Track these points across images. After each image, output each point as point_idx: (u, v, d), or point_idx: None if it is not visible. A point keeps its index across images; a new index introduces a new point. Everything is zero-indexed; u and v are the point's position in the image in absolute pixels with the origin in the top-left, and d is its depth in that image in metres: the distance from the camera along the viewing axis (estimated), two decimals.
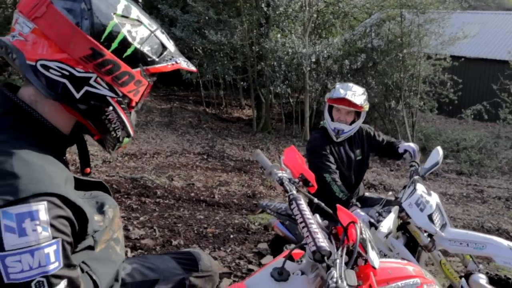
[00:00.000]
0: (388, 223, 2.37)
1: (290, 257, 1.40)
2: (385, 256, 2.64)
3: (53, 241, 0.85)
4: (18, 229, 0.81)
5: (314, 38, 11.26)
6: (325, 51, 10.24)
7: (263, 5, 10.05)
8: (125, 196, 5.29)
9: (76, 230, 0.95)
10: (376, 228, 2.40)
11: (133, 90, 1.06)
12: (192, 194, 5.66)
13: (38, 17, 0.95)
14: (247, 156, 8.52)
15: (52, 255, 0.85)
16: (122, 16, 1.01)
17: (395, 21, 11.35)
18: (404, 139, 5.65)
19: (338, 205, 1.38)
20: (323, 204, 1.49)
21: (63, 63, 0.95)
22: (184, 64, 1.14)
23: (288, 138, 10.74)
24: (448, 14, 11.17)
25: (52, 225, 0.85)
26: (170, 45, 1.13)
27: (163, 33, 1.14)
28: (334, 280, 1.06)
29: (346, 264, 1.16)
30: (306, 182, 1.57)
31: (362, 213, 2.57)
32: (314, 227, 1.23)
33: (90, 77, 0.98)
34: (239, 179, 6.77)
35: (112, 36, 0.98)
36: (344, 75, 11.16)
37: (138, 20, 1.05)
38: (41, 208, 0.84)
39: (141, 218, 4.59)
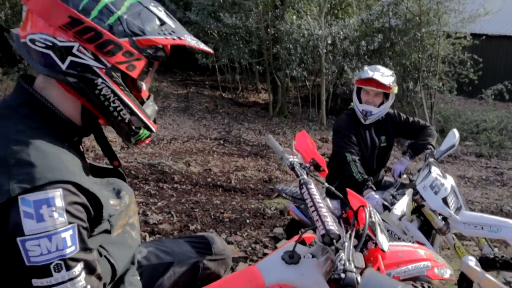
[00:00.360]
0: (402, 205, 2.36)
1: (302, 241, 1.41)
2: (399, 239, 2.64)
3: (69, 226, 0.89)
4: (36, 215, 0.85)
5: (330, 19, 11.08)
6: (341, 32, 10.09)
7: None
8: (143, 182, 5.37)
9: (92, 216, 0.99)
10: (390, 210, 2.40)
11: (124, 62, 1.03)
12: (209, 180, 5.71)
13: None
14: (263, 140, 8.53)
15: (68, 240, 0.89)
16: None
17: None
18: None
19: (348, 189, 1.38)
20: (333, 188, 1.49)
21: (44, 34, 0.97)
22: (192, 42, 1.12)
23: (305, 122, 10.68)
24: None
25: (67, 211, 0.89)
26: (170, 21, 1.12)
27: (160, 10, 1.12)
28: (342, 262, 1.07)
29: (355, 247, 1.17)
30: (317, 167, 1.57)
31: (376, 196, 2.57)
32: (324, 211, 1.23)
33: (72, 46, 0.98)
34: (256, 164, 6.79)
35: (91, 4, 0.99)
36: (361, 57, 10.99)
37: None
38: (57, 195, 0.88)
39: (159, 204, 4.66)
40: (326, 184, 1.52)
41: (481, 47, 12.31)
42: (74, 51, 0.98)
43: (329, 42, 10.06)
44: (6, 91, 8.83)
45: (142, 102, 1.14)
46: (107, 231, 1.07)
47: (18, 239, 0.84)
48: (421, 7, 10.61)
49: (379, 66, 2.95)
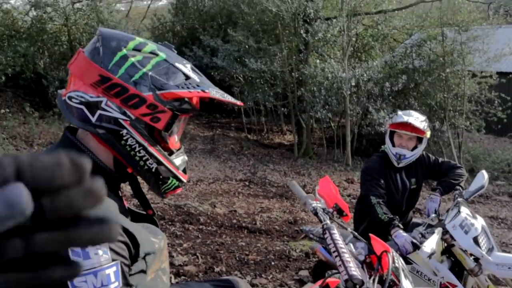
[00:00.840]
0: (431, 243, 2.33)
1: (326, 286, 1.42)
2: (429, 280, 2.58)
3: (113, 263, 0.96)
4: (82, 253, 0.92)
5: (353, 61, 11.26)
6: (365, 74, 10.21)
7: (302, 32, 10.21)
8: (169, 223, 5.43)
9: (132, 254, 1.06)
10: (419, 248, 2.36)
11: (148, 114, 1.09)
12: (234, 221, 5.73)
13: (72, 64, 1.13)
14: (288, 182, 8.53)
15: (112, 276, 0.95)
16: (134, 49, 1.11)
17: (437, 40, 11.16)
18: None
19: (371, 235, 1.40)
20: (356, 233, 1.51)
21: (79, 91, 1.09)
22: (217, 95, 1.15)
23: (330, 162, 10.66)
24: (493, 30, 10.87)
25: (111, 249, 0.96)
26: (195, 76, 1.17)
27: (187, 67, 1.18)
28: None
29: None
30: (340, 212, 1.60)
31: (404, 234, 2.55)
32: (347, 256, 1.26)
33: (101, 101, 1.08)
34: (281, 205, 6.79)
35: (119, 63, 1.09)
36: (385, 98, 11.04)
37: (152, 53, 1.13)
38: None
39: (185, 245, 4.69)
40: (349, 229, 1.54)
41: (508, 85, 12.20)
42: (103, 105, 1.08)
43: (353, 84, 10.19)
44: (41, 134, 9.21)
45: (172, 153, 1.19)
46: (143, 271, 1.13)
47: None
48: (445, 48, 10.69)
49: (412, 111, 3.01)
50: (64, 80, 10.86)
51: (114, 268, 0.96)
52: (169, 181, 1.18)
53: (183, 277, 3.89)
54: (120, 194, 1.21)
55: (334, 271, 2.84)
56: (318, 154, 11.50)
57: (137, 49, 1.11)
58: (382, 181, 2.93)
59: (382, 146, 3.13)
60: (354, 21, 11.04)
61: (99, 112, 1.08)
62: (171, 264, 4.07)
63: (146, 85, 1.09)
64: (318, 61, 10.75)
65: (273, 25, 11.41)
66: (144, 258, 1.12)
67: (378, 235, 1.97)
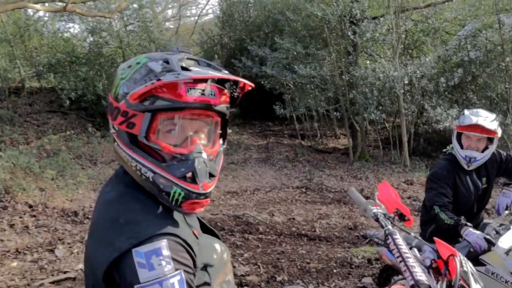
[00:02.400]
0: (509, 238, 2.19)
1: None
2: (506, 283, 2.43)
3: (176, 272, 1.00)
4: (147, 265, 0.98)
5: (404, 59, 10.95)
6: (418, 71, 9.90)
7: (349, 33, 10.09)
8: (229, 233, 5.52)
9: (194, 263, 1.10)
10: (494, 244, 2.25)
11: (123, 122, 1.08)
12: (293, 229, 5.72)
13: None
14: (345, 186, 8.41)
15: (176, 285, 0.99)
16: (128, 67, 1.13)
17: (493, 29, 10.62)
18: None
19: (436, 239, 1.36)
20: (420, 238, 1.48)
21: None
22: (171, 78, 1.02)
23: (387, 164, 10.39)
24: None
25: (174, 259, 1.01)
26: (158, 67, 1.07)
27: (157, 62, 1.09)
28: None
29: None
30: (401, 217, 1.57)
31: (476, 231, 2.44)
32: (411, 261, 1.23)
33: (110, 123, 1.15)
34: (339, 211, 6.70)
35: (114, 85, 1.15)
36: (441, 94, 10.63)
37: (137, 63, 1.12)
38: (163, 246, 1.01)
39: (246, 255, 4.75)
40: (412, 234, 1.51)
41: None
42: (110, 126, 1.16)
43: (406, 82, 9.92)
44: (104, 152, 9.69)
45: (172, 159, 1.09)
46: (207, 284, 1.17)
47: (136, 286, 0.97)
48: (503, 36, 10.14)
49: (480, 110, 2.85)
50: None
51: (178, 277, 1.00)
52: (173, 191, 1.07)
53: (245, 287, 3.94)
54: None
55: (400, 276, 2.77)
56: (374, 157, 11.25)
57: (129, 66, 1.14)
58: (449, 189, 2.80)
59: (448, 147, 2.99)
60: (403, 18, 10.74)
61: (110, 132, 1.17)
62: (234, 275, 4.14)
63: (120, 94, 1.10)
64: (368, 61, 10.58)
65: (320, 29, 11.36)
66: (205, 270, 1.16)
67: (447, 237, 1.91)
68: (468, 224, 2.54)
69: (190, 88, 1.06)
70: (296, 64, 10.37)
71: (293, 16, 11.13)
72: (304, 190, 8.17)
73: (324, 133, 13.56)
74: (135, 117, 1.07)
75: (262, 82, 11.38)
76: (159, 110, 1.06)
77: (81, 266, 4.37)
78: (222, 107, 1.14)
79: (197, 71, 1.06)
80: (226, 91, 1.16)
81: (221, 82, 1.14)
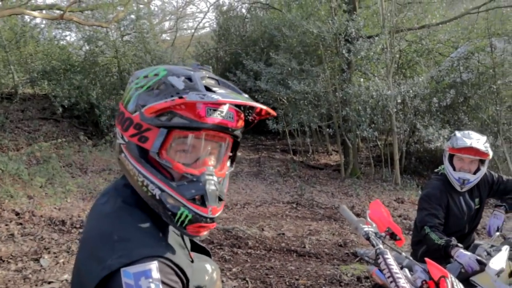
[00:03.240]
0: (500, 259, 2.18)
1: None
2: None
3: None
4: (135, 286, 0.94)
5: (398, 78, 11.08)
6: (411, 91, 10.00)
7: (344, 51, 10.19)
8: (218, 247, 5.46)
9: (184, 286, 1.06)
10: (485, 265, 2.24)
11: (135, 135, 1.04)
12: (283, 244, 5.68)
13: None
14: (336, 203, 8.40)
15: None
16: (144, 77, 1.10)
17: (485, 52, 10.81)
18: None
19: (427, 259, 1.36)
20: (411, 258, 1.47)
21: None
22: (196, 97, 0.97)
23: (378, 182, 10.41)
24: None
25: (163, 282, 0.97)
26: (182, 84, 1.04)
27: (180, 78, 1.05)
28: None
29: None
30: (393, 236, 1.57)
31: (468, 253, 2.43)
32: (402, 282, 1.23)
33: (117, 132, 1.13)
34: (330, 227, 6.68)
35: (129, 95, 1.11)
36: (434, 113, 10.74)
37: (155, 74, 1.09)
38: (154, 268, 0.97)
39: (234, 269, 4.70)
40: (404, 254, 1.51)
41: None
42: (117, 135, 1.13)
43: (399, 101, 10.01)
44: (95, 161, 9.61)
45: (182, 178, 1.05)
46: None
47: None
48: (494, 59, 10.32)
49: (470, 132, 2.86)
50: (114, 109, 11.38)
51: None
52: (179, 212, 1.03)
53: None
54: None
55: None
56: (366, 174, 11.28)
57: (146, 76, 1.10)
58: (441, 211, 2.80)
59: (440, 167, 3.01)
60: (397, 38, 10.90)
61: (117, 141, 1.14)
62: None
63: (136, 105, 1.06)
64: (362, 79, 10.68)
65: (315, 46, 11.47)
66: None
67: (438, 257, 1.90)
68: (459, 245, 2.54)
69: (210, 109, 1.03)
70: (291, 79, 10.44)
71: (289, 32, 11.23)
72: (294, 205, 8.15)
73: (316, 149, 13.59)
74: (149, 131, 1.03)
75: (256, 97, 11.43)
76: (175, 127, 1.02)
77: (66, 276, 4.29)
78: (238, 130, 1.12)
79: (222, 94, 1.02)
80: (242, 114, 1.14)
81: (238, 105, 1.11)
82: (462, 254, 2.42)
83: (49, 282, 4.16)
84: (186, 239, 1.23)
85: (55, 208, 6.59)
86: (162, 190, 1.03)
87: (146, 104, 1.04)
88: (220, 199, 1.10)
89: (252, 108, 1.15)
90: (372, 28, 12.00)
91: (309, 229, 6.50)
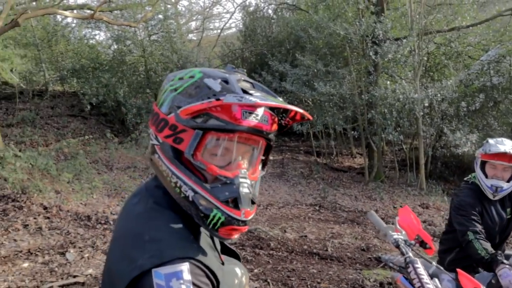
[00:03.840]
0: None
1: None
2: None
3: None
4: (166, 287, 0.94)
5: (425, 81, 10.88)
6: (439, 94, 9.80)
7: (371, 53, 10.08)
8: (240, 247, 5.47)
9: None
10: None
11: (170, 136, 1.04)
12: (305, 247, 5.65)
13: None
14: (359, 206, 8.31)
15: None
16: (179, 79, 1.11)
17: None
18: None
19: (459, 270, 1.32)
20: (440, 267, 1.43)
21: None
22: (234, 99, 0.98)
23: (403, 186, 10.25)
24: None
25: (194, 284, 0.97)
26: (219, 86, 1.04)
27: (216, 81, 1.06)
28: None
29: None
30: (423, 244, 1.53)
31: None
32: None
33: (151, 132, 1.13)
34: (352, 231, 6.61)
35: (162, 95, 1.12)
36: (461, 118, 10.50)
37: (191, 76, 1.09)
38: (185, 269, 0.97)
39: (255, 270, 4.70)
40: (434, 263, 1.47)
41: None
42: (151, 135, 1.13)
43: (426, 104, 9.83)
44: (120, 159, 9.77)
45: (215, 180, 1.05)
46: None
47: None
48: None
49: (504, 139, 2.77)
50: (140, 108, 11.55)
51: None
52: (212, 214, 1.03)
53: None
54: None
55: None
56: (390, 178, 11.12)
57: (181, 78, 1.11)
58: (478, 215, 2.72)
59: (470, 176, 2.92)
60: (425, 40, 10.70)
61: (150, 142, 1.14)
62: None
63: (171, 106, 1.06)
64: (388, 82, 10.52)
65: (341, 48, 11.38)
66: None
67: (466, 266, 1.85)
68: (505, 261, 2.42)
69: (246, 112, 1.03)
70: (316, 81, 10.38)
71: (315, 33, 11.17)
72: (317, 208, 8.10)
73: (340, 152, 13.48)
74: (184, 133, 1.03)
75: (281, 98, 11.37)
76: (211, 129, 1.02)
77: (90, 271, 4.37)
78: (272, 134, 1.12)
79: (258, 97, 1.03)
80: (276, 118, 1.14)
81: (272, 108, 1.11)
82: (506, 274, 2.29)
83: (74, 276, 4.24)
84: (217, 241, 1.23)
85: (81, 203, 6.73)
86: (195, 192, 1.03)
87: (182, 105, 1.04)
88: (252, 202, 1.09)
89: (286, 112, 1.15)
90: (400, 30, 11.82)
91: (331, 232, 6.45)
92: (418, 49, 10.28)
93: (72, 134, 10.74)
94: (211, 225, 1.05)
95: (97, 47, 13.73)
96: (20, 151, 8.07)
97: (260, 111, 1.06)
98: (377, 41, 10.27)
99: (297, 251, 5.46)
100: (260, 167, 1.19)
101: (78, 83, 12.64)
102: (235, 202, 1.04)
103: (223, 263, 1.17)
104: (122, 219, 1.14)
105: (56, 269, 4.39)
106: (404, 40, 10.23)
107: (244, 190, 1.05)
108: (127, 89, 12.06)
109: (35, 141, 9.63)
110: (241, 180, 1.05)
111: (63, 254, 4.79)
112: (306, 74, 11.12)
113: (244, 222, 1.06)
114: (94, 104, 11.44)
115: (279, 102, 1.05)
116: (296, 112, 1.13)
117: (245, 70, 1.17)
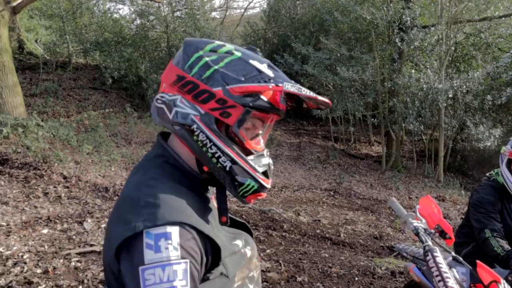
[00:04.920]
0: None
1: None
2: None
3: (182, 260, 0.97)
4: (154, 247, 0.96)
5: (451, 72, 10.63)
6: (464, 86, 9.59)
7: (396, 40, 9.88)
8: (253, 227, 5.51)
9: (206, 260, 1.06)
10: None
11: (217, 109, 1.08)
12: (318, 231, 5.67)
13: (163, 73, 1.21)
14: (374, 194, 8.27)
15: (180, 273, 0.96)
16: (210, 51, 1.13)
17: None
18: None
19: (478, 262, 1.30)
20: (461, 258, 1.42)
21: (162, 93, 1.16)
22: (292, 88, 1.08)
23: (420, 177, 10.15)
24: None
25: (182, 247, 0.98)
26: (270, 71, 1.12)
27: (262, 63, 1.14)
28: None
29: None
30: (443, 234, 1.51)
31: None
32: (451, 282, 1.18)
33: (177, 99, 1.13)
34: (366, 218, 6.59)
35: (194, 63, 1.12)
36: (486, 112, 10.27)
37: (228, 53, 1.13)
38: (175, 231, 0.99)
39: (268, 251, 4.74)
40: (453, 253, 1.45)
41: None
42: (178, 102, 1.13)
43: (450, 95, 9.63)
44: (139, 133, 9.88)
45: (250, 154, 1.14)
46: (224, 275, 1.12)
47: (140, 268, 0.96)
48: None
49: None
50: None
51: (183, 266, 0.97)
52: (246, 183, 1.12)
53: (264, 283, 3.93)
54: (209, 197, 1.22)
55: None
56: (407, 168, 11.01)
57: (213, 50, 1.13)
58: (497, 214, 2.67)
59: (492, 172, 2.85)
60: (454, 29, 10.41)
61: (175, 109, 1.13)
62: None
63: (217, 80, 1.09)
64: (413, 71, 10.35)
65: (367, 33, 11.18)
66: (223, 262, 1.12)
67: (482, 261, 1.83)
68: None
69: (282, 96, 1.13)
70: (339, 65, 10.24)
71: (341, 17, 10.97)
72: (332, 193, 8.09)
73: (358, 138, 13.37)
74: (233, 108, 1.09)
75: (302, 80, 11.32)
76: (257, 109, 1.10)
77: None
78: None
79: (290, 84, 1.10)
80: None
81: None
82: None
83: (91, 245, 4.34)
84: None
85: (99, 175, 6.85)
86: (234, 163, 1.11)
87: (230, 82, 1.09)
88: None
89: (290, 97, 1.23)
90: (429, 18, 11.53)
91: (345, 218, 6.44)
92: (446, 38, 10.04)
93: (93, 107, 10.87)
94: (241, 192, 1.13)
95: (121, 21, 13.75)
96: (42, 120, 8.21)
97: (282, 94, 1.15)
98: (404, 28, 10.06)
99: (309, 235, 5.48)
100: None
101: (101, 57, 12.72)
102: (265, 173, 1.15)
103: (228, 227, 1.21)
104: (124, 189, 1.17)
105: (74, 237, 4.50)
106: (432, 28, 9.99)
107: (271, 162, 1.18)
108: (149, 64, 12.09)
109: (57, 112, 9.78)
110: (266, 153, 1.18)
111: (80, 223, 4.89)
112: (329, 58, 10.98)
113: (268, 190, 1.18)
114: (115, 78, 11.52)
115: (313, 93, 1.13)
116: (311, 99, 1.19)
117: (257, 49, 1.23)
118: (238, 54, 1.13)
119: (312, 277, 4.17)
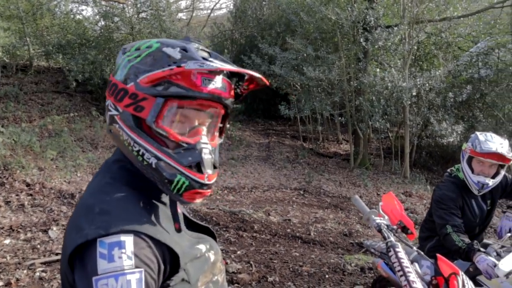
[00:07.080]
0: (509, 261, 2.16)
1: None
2: None
3: (136, 270, 0.95)
4: (108, 256, 0.94)
5: (414, 70, 10.92)
6: (427, 84, 9.87)
7: (361, 40, 10.06)
8: (224, 229, 5.50)
9: (163, 269, 1.04)
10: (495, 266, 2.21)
11: (130, 105, 1.05)
12: (288, 230, 5.70)
13: None
14: (343, 192, 8.39)
15: (133, 283, 0.94)
16: (136, 49, 1.10)
17: (506, 48, 10.60)
18: None
19: (438, 255, 1.34)
20: (422, 253, 1.45)
21: (108, 100, 1.14)
22: (194, 65, 1.00)
23: (387, 174, 10.37)
24: None
25: (136, 256, 0.96)
26: (177, 54, 1.05)
27: (175, 50, 1.07)
28: None
29: None
30: (405, 229, 1.55)
31: (488, 258, 2.40)
32: (412, 276, 1.21)
33: (108, 104, 1.12)
34: (335, 216, 6.68)
35: (119, 66, 1.11)
36: (448, 108, 10.60)
37: (148, 47, 1.09)
38: (129, 240, 0.96)
39: (238, 252, 4.73)
40: (415, 248, 1.49)
41: None
42: (108, 107, 1.12)
43: (414, 93, 9.88)
44: (105, 137, 9.67)
45: (177, 147, 1.07)
46: (185, 281, 1.10)
47: (93, 278, 0.93)
48: None
49: (493, 135, 2.75)
50: None
51: (137, 275, 0.95)
52: (176, 179, 1.05)
53: (236, 285, 3.92)
54: (162, 200, 1.17)
55: None
56: (375, 165, 11.23)
57: (137, 48, 1.11)
58: (458, 209, 2.76)
59: (453, 168, 2.94)
60: (416, 29, 10.70)
61: (107, 114, 1.13)
62: (225, 271, 4.10)
63: (130, 76, 1.07)
64: (377, 70, 10.55)
65: (332, 33, 11.33)
66: (184, 269, 1.10)
67: (445, 254, 1.88)
68: (481, 249, 2.48)
69: (205, 79, 1.05)
70: (305, 65, 10.34)
71: (306, 17, 11.09)
72: (301, 192, 8.15)
73: (326, 137, 13.54)
74: (145, 101, 1.05)
75: (270, 81, 11.36)
76: (172, 97, 1.04)
77: None
78: (230, 101, 1.13)
79: (218, 63, 1.04)
80: (233, 86, 1.15)
81: (229, 76, 1.13)
82: (482, 260, 2.36)
83: (57, 254, 4.22)
84: (182, 219, 1.22)
85: (65, 181, 6.67)
86: (158, 159, 1.05)
87: (141, 74, 1.05)
88: (214, 167, 1.13)
89: (241, 80, 1.17)
90: (392, 18, 11.81)
91: (315, 217, 6.51)
92: (408, 38, 10.30)
93: (56, 111, 10.57)
94: (175, 190, 1.06)
95: (84, 22, 13.44)
96: (2, 126, 7.92)
97: (218, 79, 1.07)
98: (368, 28, 10.25)
99: (280, 234, 5.50)
100: (217, 134, 1.21)
101: (64, 59, 12.38)
102: (198, 167, 1.07)
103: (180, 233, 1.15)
104: (82, 195, 1.14)
105: (38, 246, 4.36)
106: (395, 28, 10.23)
107: (206, 155, 1.08)
108: (114, 67, 11.86)
109: (18, 117, 9.45)
110: (202, 145, 1.09)
111: (45, 231, 4.75)
112: (295, 58, 11.08)
113: (208, 186, 1.09)
114: (80, 81, 11.25)
115: (237, 68, 1.06)
116: (251, 81, 1.15)
117: (201, 41, 1.18)
118: (156, 45, 1.09)
119: (283, 277, 4.19)
